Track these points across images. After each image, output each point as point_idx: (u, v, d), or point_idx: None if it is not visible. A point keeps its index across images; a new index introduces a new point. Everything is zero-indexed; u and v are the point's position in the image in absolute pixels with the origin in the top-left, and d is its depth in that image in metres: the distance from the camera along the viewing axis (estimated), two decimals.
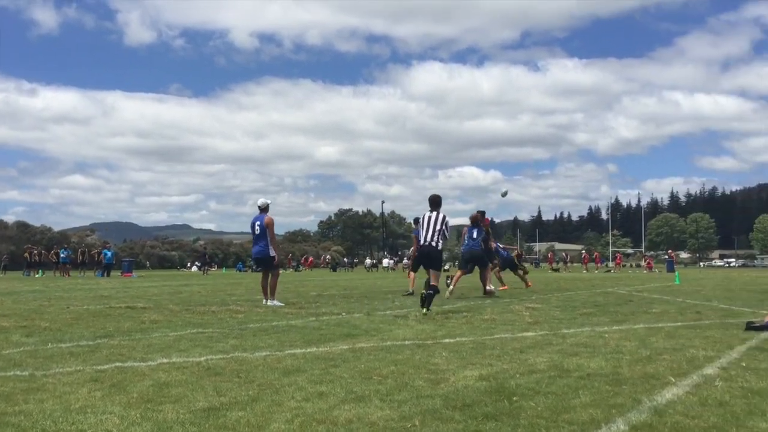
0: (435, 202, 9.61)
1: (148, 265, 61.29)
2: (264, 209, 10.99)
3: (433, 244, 9.32)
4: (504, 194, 16.45)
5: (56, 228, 67.75)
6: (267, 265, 10.85)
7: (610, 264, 60.40)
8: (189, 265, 62.86)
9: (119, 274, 32.99)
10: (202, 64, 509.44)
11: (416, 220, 12.60)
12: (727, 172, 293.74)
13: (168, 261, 70.49)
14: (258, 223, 10.87)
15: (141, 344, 5.66)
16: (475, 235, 12.84)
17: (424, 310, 8.43)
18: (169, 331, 6.65)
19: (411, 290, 13.01)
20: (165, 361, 4.77)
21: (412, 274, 13.59)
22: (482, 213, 13.51)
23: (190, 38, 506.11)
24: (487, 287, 12.76)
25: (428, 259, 9.43)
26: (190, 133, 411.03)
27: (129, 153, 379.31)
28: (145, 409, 3.39)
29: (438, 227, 9.34)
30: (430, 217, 9.44)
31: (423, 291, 9.03)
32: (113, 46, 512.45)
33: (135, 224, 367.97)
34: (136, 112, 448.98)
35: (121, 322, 7.51)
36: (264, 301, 10.47)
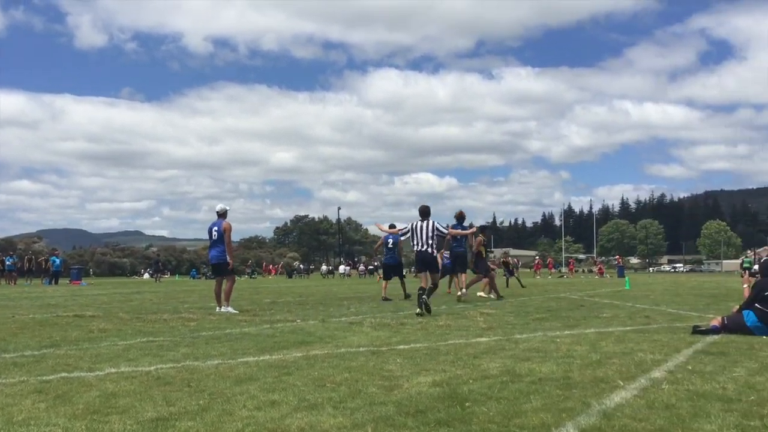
0: (424, 212, 10.39)
1: (91, 273, 59.92)
2: (222, 215, 10.92)
3: (429, 250, 10.10)
4: None
5: (1, 234, 65.98)
6: (223, 271, 10.76)
7: (564, 269, 61.29)
8: (141, 272, 61.81)
9: (68, 282, 32.25)
10: (155, 69, 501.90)
11: (391, 226, 13.27)
12: (675, 180, 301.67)
13: (119, 268, 69.19)
14: (215, 228, 10.78)
15: (88, 354, 5.53)
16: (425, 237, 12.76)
17: (418, 310, 9.26)
18: (118, 340, 6.51)
19: (384, 296, 13.59)
20: (113, 370, 4.66)
21: (383, 282, 14.49)
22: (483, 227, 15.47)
23: (142, 42, 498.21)
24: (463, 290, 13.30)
25: (425, 263, 10.08)
26: (143, 137, 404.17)
27: (79, 158, 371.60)
28: (90, 421, 3.30)
29: (430, 234, 10.14)
30: (421, 227, 10.18)
31: (419, 293, 9.60)
32: (63, 48, 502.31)
33: (85, 231, 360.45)
34: (87, 116, 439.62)
35: (68, 332, 7.33)
36: (217, 308, 10.35)
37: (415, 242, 10.25)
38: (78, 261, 58.20)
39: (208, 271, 31.54)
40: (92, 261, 66.96)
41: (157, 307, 11.80)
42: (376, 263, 69.79)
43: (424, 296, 9.49)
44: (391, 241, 14.45)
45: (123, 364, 4.91)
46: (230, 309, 10.21)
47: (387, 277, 14.72)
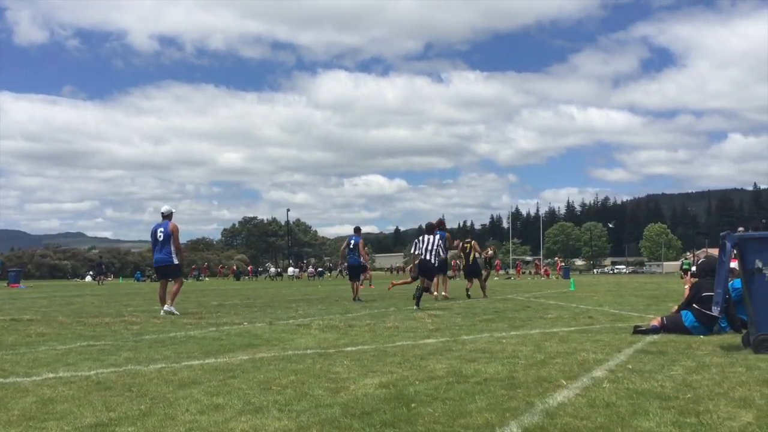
0: (430, 229, 12.46)
1: (31, 275, 58.18)
2: (167, 216, 10.76)
3: (431, 260, 11.91)
4: None
5: None
6: (169, 274, 10.59)
7: (511, 271, 62.11)
8: (83, 275, 60.33)
9: (5, 284, 31.33)
10: (98, 66, 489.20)
11: (356, 229, 15.67)
12: (618, 183, 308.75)
13: (60, 271, 67.40)
14: (161, 230, 10.60)
15: (25, 359, 5.37)
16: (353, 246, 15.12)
17: (414, 307, 10.86)
18: (57, 344, 6.34)
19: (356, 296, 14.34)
20: (51, 375, 4.53)
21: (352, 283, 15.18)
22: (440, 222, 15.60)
23: (84, 39, 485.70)
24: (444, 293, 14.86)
25: (424, 271, 11.77)
26: (85, 137, 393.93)
27: (18, 157, 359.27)
28: (26, 427, 3.20)
29: (433, 248, 12.03)
30: (427, 240, 12.11)
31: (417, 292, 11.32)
32: (1, 44, 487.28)
33: (24, 232, 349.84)
34: (26, 114, 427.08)
35: (4, 336, 7.11)
36: (162, 311, 10.17)
37: (419, 252, 12.07)
38: (16, 263, 56.51)
39: (153, 274, 30.99)
40: (31, 263, 65.09)
41: (99, 310, 11.53)
42: (329, 265, 69.63)
43: (418, 293, 11.38)
44: (353, 242, 15.01)
45: (61, 369, 4.78)
46: (173, 309, 10.05)
47: (354, 278, 15.11)
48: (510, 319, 8.65)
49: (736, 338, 6.14)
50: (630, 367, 4.85)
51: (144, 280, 48.05)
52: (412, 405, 3.69)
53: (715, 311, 5.96)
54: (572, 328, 7.38)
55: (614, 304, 12.10)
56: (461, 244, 16.96)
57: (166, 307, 10.07)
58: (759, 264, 5.52)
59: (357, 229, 15.89)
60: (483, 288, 16.21)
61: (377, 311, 10.44)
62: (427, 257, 11.92)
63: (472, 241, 16.78)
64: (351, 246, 15.05)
